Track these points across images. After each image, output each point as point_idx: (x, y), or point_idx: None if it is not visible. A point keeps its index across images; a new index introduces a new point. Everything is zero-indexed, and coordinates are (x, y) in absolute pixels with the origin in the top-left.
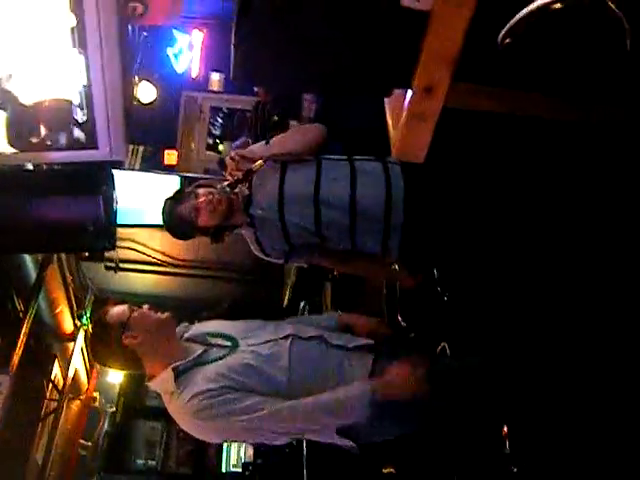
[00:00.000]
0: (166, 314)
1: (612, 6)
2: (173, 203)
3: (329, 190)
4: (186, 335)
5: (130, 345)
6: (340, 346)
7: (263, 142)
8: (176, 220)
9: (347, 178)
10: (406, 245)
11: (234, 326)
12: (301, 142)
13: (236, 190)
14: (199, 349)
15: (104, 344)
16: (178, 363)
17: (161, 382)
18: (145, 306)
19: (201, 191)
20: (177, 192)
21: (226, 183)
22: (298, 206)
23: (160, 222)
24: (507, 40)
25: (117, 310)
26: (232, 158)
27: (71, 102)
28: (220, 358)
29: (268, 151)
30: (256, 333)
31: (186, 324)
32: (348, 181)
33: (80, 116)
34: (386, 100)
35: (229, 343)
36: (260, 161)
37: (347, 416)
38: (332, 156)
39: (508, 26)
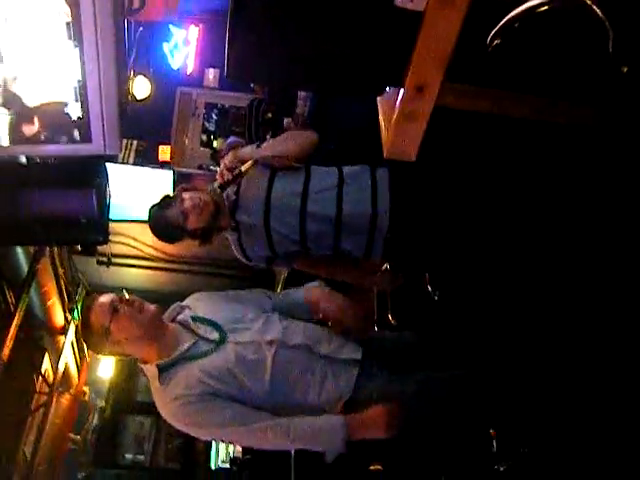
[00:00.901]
0: (152, 308)
1: (596, 9)
2: (159, 208)
3: (315, 202)
4: (178, 317)
5: (114, 350)
6: (326, 356)
7: (254, 145)
8: (164, 224)
9: (334, 189)
10: (390, 251)
11: (224, 309)
12: (293, 146)
13: (224, 193)
14: (186, 342)
15: (91, 342)
16: (162, 361)
17: (148, 373)
18: (127, 301)
19: (187, 195)
20: (162, 199)
21: (216, 184)
22: (284, 216)
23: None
24: (496, 41)
25: (100, 309)
26: (223, 156)
27: (66, 103)
28: (205, 355)
29: (259, 153)
30: (245, 326)
31: (179, 304)
32: (335, 192)
33: (75, 110)
34: (378, 99)
35: (216, 336)
36: (250, 162)
37: (320, 448)
38: (320, 167)
39: (497, 27)
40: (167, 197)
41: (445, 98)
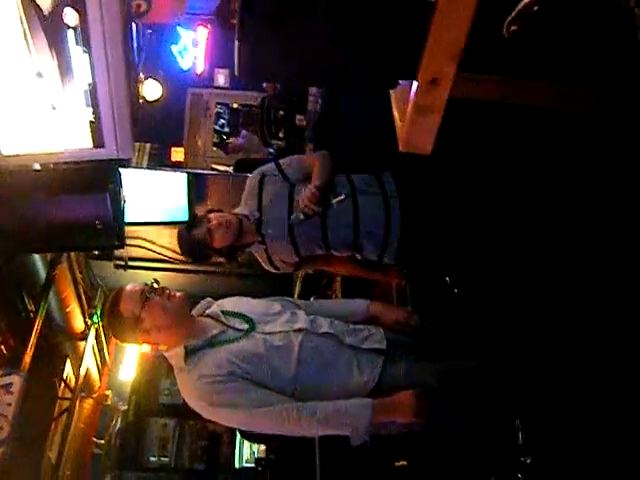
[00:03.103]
0: (179, 295)
1: None
2: (188, 229)
3: (334, 211)
4: (207, 312)
5: (144, 338)
6: (352, 346)
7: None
8: (192, 243)
9: (349, 198)
10: (403, 254)
11: (253, 306)
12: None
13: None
14: (215, 329)
15: (119, 330)
16: (191, 342)
17: (174, 356)
18: (157, 289)
19: (212, 215)
20: (191, 218)
21: (301, 215)
22: (306, 228)
23: (168, 219)
24: (513, 27)
25: (131, 298)
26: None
27: None
28: (233, 340)
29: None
30: (272, 319)
31: (209, 299)
32: (350, 201)
33: (87, 115)
34: (392, 93)
35: (246, 326)
36: (343, 196)
37: (345, 431)
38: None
39: (514, 12)
40: (195, 217)
41: (460, 89)
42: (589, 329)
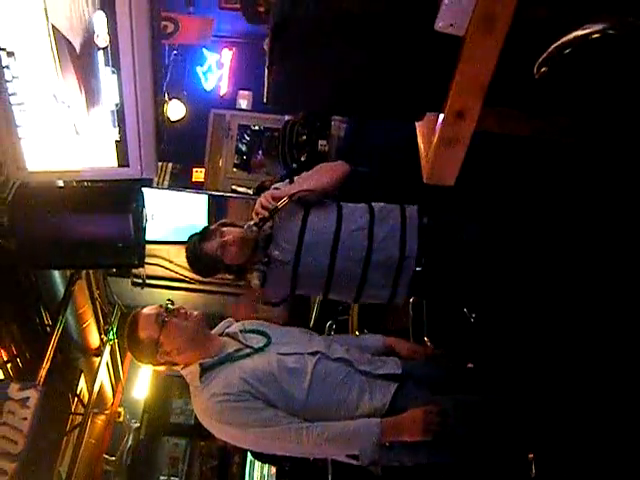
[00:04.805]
0: (196, 314)
1: None
2: (199, 240)
3: (347, 242)
4: (227, 331)
5: (165, 360)
6: (365, 372)
7: (287, 181)
8: (201, 257)
9: (365, 230)
10: (418, 289)
11: (272, 329)
12: (325, 179)
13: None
14: (232, 347)
15: (140, 355)
16: (206, 360)
17: (189, 374)
18: (173, 311)
19: (226, 229)
20: (202, 230)
21: (252, 222)
22: (316, 252)
23: (187, 239)
24: (543, 69)
25: (148, 323)
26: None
27: None
28: (248, 355)
29: (293, 189)
30: (289, 340)
31: (230, 319)
32: (366, 233)
33: (113, 135)
34: (417, 124)
35: (263, 342)
36: (285, 199)
37: (353, 450)
38: (350, 204)
39: (545, 55)
40: (207, 229)
41: (485, 123)
42: (605, 362)
